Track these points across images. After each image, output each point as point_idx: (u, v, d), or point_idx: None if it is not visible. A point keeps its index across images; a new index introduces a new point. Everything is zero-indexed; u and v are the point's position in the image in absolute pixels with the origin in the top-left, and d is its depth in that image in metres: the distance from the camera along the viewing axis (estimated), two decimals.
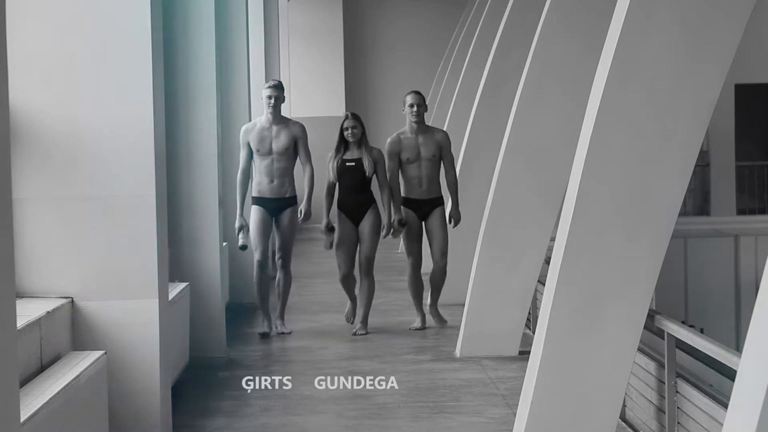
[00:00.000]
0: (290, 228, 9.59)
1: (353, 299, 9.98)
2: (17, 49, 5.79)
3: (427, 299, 10.10)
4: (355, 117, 9.64)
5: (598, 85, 5.45)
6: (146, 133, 6.03)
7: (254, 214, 9.55)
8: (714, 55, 5.25)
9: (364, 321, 9.74)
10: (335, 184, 9.63)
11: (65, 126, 5.93)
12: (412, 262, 9.88)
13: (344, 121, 9.60)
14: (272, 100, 9.45)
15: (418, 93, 9.98)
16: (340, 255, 9.70)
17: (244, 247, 9.58)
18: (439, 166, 9.83)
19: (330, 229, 9.61)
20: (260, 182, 9.50)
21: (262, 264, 9.58)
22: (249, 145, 9.46)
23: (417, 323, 9.96)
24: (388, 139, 9.82)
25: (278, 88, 9.56)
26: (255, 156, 9.47)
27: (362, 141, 9.57)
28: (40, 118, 5.91)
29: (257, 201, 9.56)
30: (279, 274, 9.69)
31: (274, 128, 9.47)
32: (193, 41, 8.66)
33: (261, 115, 9.59)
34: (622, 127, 5.42)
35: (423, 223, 9.81)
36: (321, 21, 24.39)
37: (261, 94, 9.57)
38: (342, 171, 9.55)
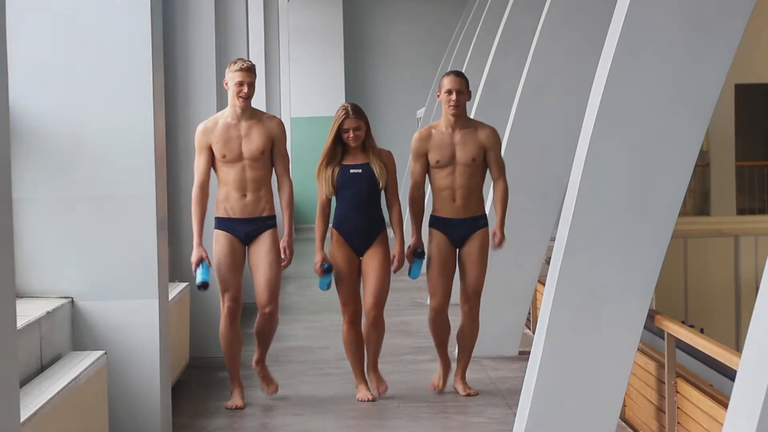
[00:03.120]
0: (273, 259, 7.03)
1: (360, 369, 7.26)
2: (17, 49, 5.79)
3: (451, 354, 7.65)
4: (358, 112, 7.01)
5: (598, 85, 5.46)
6: (146, 133, 6.03)
7: (219, 244, 7.03)
8: (714, 55, 5.25)
9: (375, 371, 7.30)
10: (330, 202, 7.12)
11: (65, 126, 5.93)
12: (434, 306, 7.28)
13: (343, 120, 6.99)
14: (244, 88, 6.95)
15: (459, 75, 7.24)
16: (345, 296, 7.17)
17: (204, 285, 6.89)
18: (482, 174, 7.28)
19: (326, 270, 7.05)
20: (227, 198, 7.01)
21: (234, 311, 7.09)
22: (211, 149, 6.98)
23: (438, 377, 7.42)
24: (416, 134, 7.30)
25: (252, 71, 7.00)
26: (220, 165, 6.99)
27: (367, 142, 7.07)
28: (40, 118, 5.92)
29: (223, 224, 7.04)
30: (259, 320, 7.19)
31: (244, 125, 7.00)
32: (193, 41, 8.66)
33: (225, 109, 7.16)
34: (622, 127, 5.42)
35: (458, 250, 7.29)
36: (321, 21, 24.42)
37: (227, 78, 7.01)
38: (345, 180, 7.03)
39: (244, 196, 7.00)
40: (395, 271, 7.18)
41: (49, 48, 5.92)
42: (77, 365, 5.37)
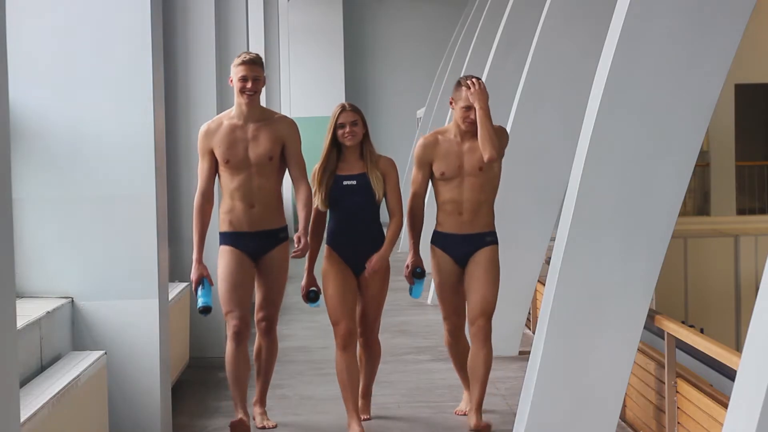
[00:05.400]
0: (280, 276, 6.42)
1: (354, 402, 6.39)
2: (18, 48, 5.79)
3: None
4: (355, 109, 6.33)
5: (598, 85, 5.46)
6: (146, 133, 6.03)
7: (226, 258, 6.34)
8: (714, 55, 5.25)
9: (366, 398, 6.82)
10: (326, 214, 6.44)
11: (65, 126, 5.93)
12: (449, 328, 6.69)
13: (339, 114, 6.29)
14: (248, 83, 6.25)
15: (475, 80, 6.46)
16: (335, 315, 6.36)
17: (206, 310, 6.22)
18: (494, 187, 6.52)
19: (311, 297, 6.48)
20: (232, 209, 6.32)
21: (240, 334, 6.33)
22: (213, 153, 6.29)
23: (465, 404, 6.88)
24: (420, 139, 6.57)
25: (257, 64, 6.28)
26: (223, 170, 6.30)
27: (365, 147, 6.34)
28: (40, 118, 5.92)
29: (229, 238, 6.36)
30: (259, 341, 6.59)
31: (251, 127, 6.29)
32: (193, 41, 8.66)
33: (231, 108, 6.46)
34: (622, 127, 5.42)
35: (464, 269, 6.56)
36: (321, 21, 24.44)
37: (231, 74, 6.32)
38: (337, 193, 6.31)
39: (252, 207, 6.29)
40: (371, 270, 6.28)
41: (49, 48, 5.92)
42: (77, 365, 5.37)
